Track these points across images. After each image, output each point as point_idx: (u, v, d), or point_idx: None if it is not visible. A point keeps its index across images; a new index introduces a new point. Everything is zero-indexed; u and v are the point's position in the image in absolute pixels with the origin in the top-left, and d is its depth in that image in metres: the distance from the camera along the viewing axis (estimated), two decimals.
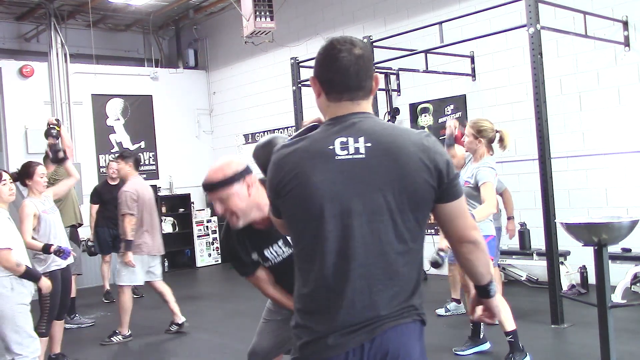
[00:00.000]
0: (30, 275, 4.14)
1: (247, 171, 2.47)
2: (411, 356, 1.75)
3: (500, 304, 4.28)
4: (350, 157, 1.73)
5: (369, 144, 1.73)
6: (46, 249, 4.57)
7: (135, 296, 8.19)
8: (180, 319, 6.06)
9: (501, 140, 4.49)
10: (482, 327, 4.72)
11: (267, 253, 2.70)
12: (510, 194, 5.96)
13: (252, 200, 2.47)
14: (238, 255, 2.72)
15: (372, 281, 1.72)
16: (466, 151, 4.70)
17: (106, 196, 7.81)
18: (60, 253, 4.61)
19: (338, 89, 1.79)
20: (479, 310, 2.01)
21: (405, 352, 1.74)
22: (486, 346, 4.74)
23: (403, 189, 1.72)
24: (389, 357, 1.72)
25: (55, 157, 5.51)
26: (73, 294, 6.53)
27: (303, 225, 1.78)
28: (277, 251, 2.69)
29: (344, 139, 1.74)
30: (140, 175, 6.30)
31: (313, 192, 1.73)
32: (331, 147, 1.74)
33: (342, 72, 1.77)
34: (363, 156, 1.72)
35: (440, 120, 8.24)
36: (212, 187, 2.46)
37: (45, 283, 4.32)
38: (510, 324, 4.36)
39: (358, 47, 1.79)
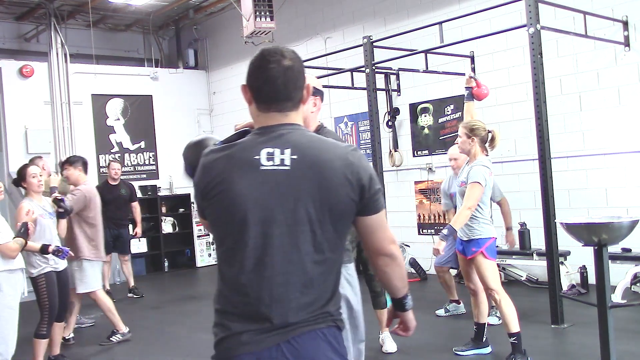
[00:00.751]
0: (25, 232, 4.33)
1: (319, 92, 2.65)
2: (321, 357, 1.78)
3: (506, 305, 4.30)
4: (275, 167, 1.78)
5: (294, 156, 1.78)
6: (44, 249, 4.58)
7: (135, 296, 8.20)
8: (123, 328, 5.97)
9: (492, 139, 4.48)
10: (485, 330, 4.71)
11: None
12: (508, 204, 5.87)
13: (306, 114, 2.52)
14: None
15: (289, 288, 1.77)
16: (460, 152, 4.70)
17: (107, 197, 7.79)
18: (59, 253, 4.62)
19: (266, 99, 1.85)
20: (395, 323, 2.06)
21: (318, 354, 1.78)
22: (487, 350, 4.73)
23: (325, 201, 1.77)
24: (300, 356, 1.76)
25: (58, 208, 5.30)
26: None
27: (226, 230, 1.83)
28: None
29: (271, 150, 1.79)
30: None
31: (237, 199, 1.78)
32: (257, 157, 1.79)
33: (270, 83, 1.83)
34: (288, 168, 1.78)
35: (440, 120, 8.25)
36: None
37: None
38: (514, 326, 4.37)
39: (288, 59, 1.84)
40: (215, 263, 2.02)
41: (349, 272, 2.87)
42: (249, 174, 1.79)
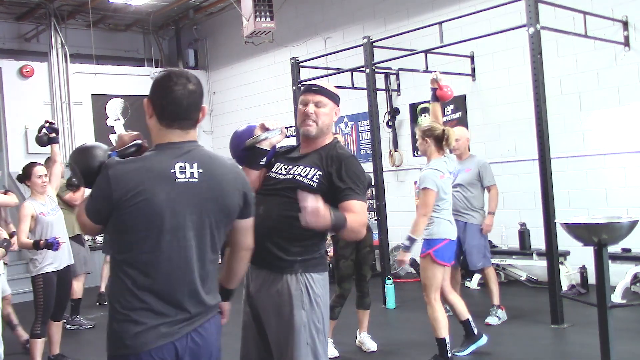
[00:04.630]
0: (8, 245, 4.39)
1: (339, 103, 2.83)
2: (216, 343, 2.16)
3: (435, 312, 4.33)
4: (187, 180, 2.05)
5: (200, 170, 2.07)
6: (36, 244, 4.59)
7: None
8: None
9: (446, 139, 4.41)
10: (472, 324, 4.69)
11: (276, 168, 2.75)
12: (497, 191, 5.77)
13: (329, 123, 2.77)
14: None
15: (194, 285, 2.06)
16: (421, 154, 4.69)
17: None
18: (50, 246, 4.61)
19: (170, 117, 2.10)
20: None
21: (214, 341, 2.15)
22: (484, 340, 4.69)
23: (222, 208, 2.11)
24: (204, 344, 2.08)
25: (41, 138, 5.02)
26: (80, 295, 6.53)
27: (141, 234, 2.02)
28: (281, 172, 2.73)
29: (182, 164, 2.05)
30: None
31: (156, 209, 2.00)
32: (172, 170, 2.04)
33: (175, 103, 2.07)
34: (196, 180, 2.06)
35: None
36: (319, 90, 2.77)
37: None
38: (440, 332, 4.37)
39: (192, 84, 2.10)
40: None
41: (324, 285, 2.69)
42: (166, 185, 2.02)
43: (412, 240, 4.30)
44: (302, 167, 2.67)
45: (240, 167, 2.25)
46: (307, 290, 2.59)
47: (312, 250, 2.65)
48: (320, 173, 2.63)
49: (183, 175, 2.04)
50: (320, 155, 2.69)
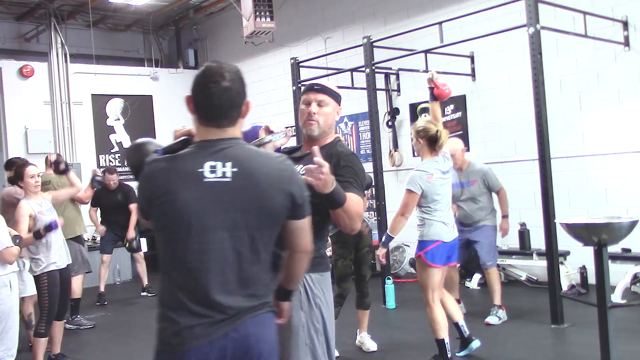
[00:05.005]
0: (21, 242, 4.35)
1: (340, 103, 2.81)
2: (267, 340, 2.04)
3: (434, 313, 4.33)
4: (217, 180, 1.96)
5: (235, 169, 1.97)
6: (37, 234, 4.58)
7: (149, 295, 8.22)
8: None
9: (436, 140, 4.39)
10: (463, 327, 4.67)
11: None
12: (505, 192, 5.86)
13: (332, 123, 2.76)
14: None
15: (231, 286, 1.98)
16: (416, 154, 4.70)
17: (103, 202, 7.87)
18: (50, 228, 4.60)
19: (205, 116, 2.03)
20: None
21: (263, 337, 2.02)
22: (476, 344, 4.67)
23: (262, 209, 1.99)
24: (249, 341, 1.98)
25: (57, 168, 5.57)
26: (79, 295, 6.53)
27: (171, 236, 1.99)
28: None
29: (213, 163, 1.97)
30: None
31: (181, 210, 1.95)
32: (201, 169, 1.96)
33: (208, 102, 2.00)
34: (229, 180, 1.96)
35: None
36: (322, 89, 2.75)
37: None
38: (439, 333, 4.37)
39: (227, 80, 1.99)
40: None
41: (324, 285, 2.68)
42: (192, 185, 1.96)
43: (388, 237, 4.48)
44: (302, 167, 2.67)
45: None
46: (306, 290, 2.58)
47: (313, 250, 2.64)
48: None
49: (213, 175, 1.96)
50: (321, 154, 2.69)
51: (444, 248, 4.41)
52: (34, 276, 4.78)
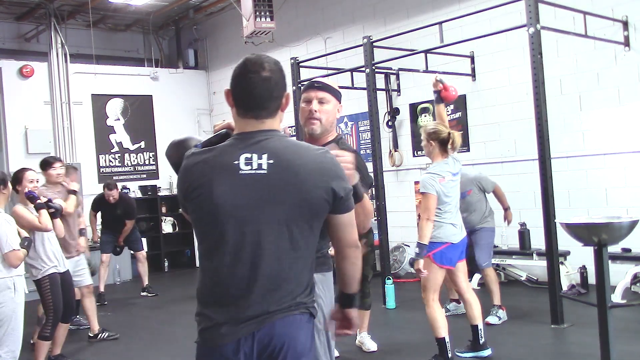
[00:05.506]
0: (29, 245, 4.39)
1: (340, 100, 2.79)
2: (297, 339, 1.95)
3: (432, 312, 4.29)
4: (253, 172, 1.92)
5: (271, 161, 1.93)
6: (39, 206, 4.67)
7: (149, 295, 8.22)
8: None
9: (452, 142, 4.41)
10: (481, 332, 4.67)
11: None
12: (499, 187, 5.97)
13: (333, 120, 2.75)
14: None
15: (264, 282, 1.93)
16: (426, 156, 4.69)
17: (105, 212, 7.96)
18: (50, 207, 4.75)
19: (243, 107, 1.99)
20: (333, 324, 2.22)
21: (291, 337, 1.94)
22: (485, 352, 4.65)
23: (300, 202, 1.93)
24: (275, 341, 1.92)
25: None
26: (79, 296, 6.53)
27: (207, 229, 1.98)
28: None
29: (249, 155, 1.93)
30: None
31: (216, 202, 1.93)
32: (236, 162, 1.93)
33: (247, 93, 1.97)
34: (264, 171, 1.92)
35: None
36: (322, 86, 2.72)
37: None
38: (438, 332, 4.36)
39: (267, 70, 1.96)
40: None
41: (326, 285, 2.68)
42: (228, 178, 1.93)
43: (422, 246, 4.29)
44: None
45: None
46: None
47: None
48: None
49: (249, 167, 1.92)
50: None
51: (453, 249, 4.42)
52: (34, 281, 4.78)
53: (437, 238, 4.36)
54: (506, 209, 6.06)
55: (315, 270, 2.58)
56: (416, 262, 4.37)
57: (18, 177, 4.84)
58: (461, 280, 4.61)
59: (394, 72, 8.35)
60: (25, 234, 4.50)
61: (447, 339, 4.39)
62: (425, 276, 4.40)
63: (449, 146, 4.40)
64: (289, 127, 2.89)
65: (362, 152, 9.09)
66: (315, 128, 2.69)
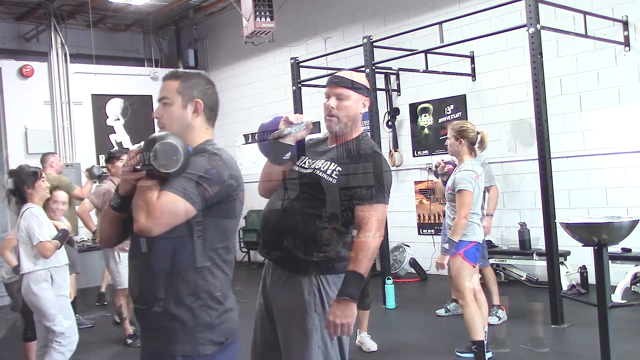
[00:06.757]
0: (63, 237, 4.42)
1: (369, 93, 2.68)
2: None
3: (470, 313, 4.24)
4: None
5: None
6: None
7: None
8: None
9: (481, 141, 4.44)
10: (486, 334, 4.64)
11: (301, 162, 2.68)
12: (497, 191, 5.91)
13: (355, 116, 2.64)
14: None
15: None
16: (450, 154, 4.69)
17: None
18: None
19: (214, 118, 2.27)
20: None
21: None
22: (488, 355, 4.57)
23: None
24: None
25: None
26: (73, 295, 6.52)
27: (234, 228, 2.17)
28: (304, 166, 2.66)
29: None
30: None
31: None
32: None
33: (218, 105, 2.28)
34: None
35: (440, 120, 8.25)
36: (340, 82, 2.65)
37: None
38: (476, 334, 4.31)
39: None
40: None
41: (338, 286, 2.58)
42: None
43: (452, 243, 4.25)
44: (323, 162, 2.61)
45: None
46: (320, 293, 2.53)
47: (329, 251, 2.56)
48: (340, 168, 2.56)
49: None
50: (342, 150, 2.61)
51: (479, 248, 4.43)
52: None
53: (466, 237, 4.34)
54: (487, 215, 5.79)
55: (330, 272, 2.54)
56: (442, 256, 4.32)
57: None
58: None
59: (394, 72, 8.35)
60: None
61: (485, 341, 4.31)
62: (458, 279, 4.33)
63: (477, 145, 4.40)
64: (312, 122, 2.81)
65: None
66: (332, 125, 2.64)
